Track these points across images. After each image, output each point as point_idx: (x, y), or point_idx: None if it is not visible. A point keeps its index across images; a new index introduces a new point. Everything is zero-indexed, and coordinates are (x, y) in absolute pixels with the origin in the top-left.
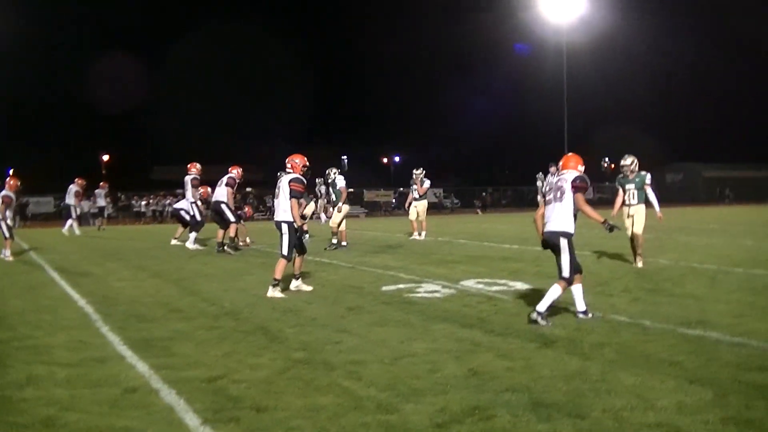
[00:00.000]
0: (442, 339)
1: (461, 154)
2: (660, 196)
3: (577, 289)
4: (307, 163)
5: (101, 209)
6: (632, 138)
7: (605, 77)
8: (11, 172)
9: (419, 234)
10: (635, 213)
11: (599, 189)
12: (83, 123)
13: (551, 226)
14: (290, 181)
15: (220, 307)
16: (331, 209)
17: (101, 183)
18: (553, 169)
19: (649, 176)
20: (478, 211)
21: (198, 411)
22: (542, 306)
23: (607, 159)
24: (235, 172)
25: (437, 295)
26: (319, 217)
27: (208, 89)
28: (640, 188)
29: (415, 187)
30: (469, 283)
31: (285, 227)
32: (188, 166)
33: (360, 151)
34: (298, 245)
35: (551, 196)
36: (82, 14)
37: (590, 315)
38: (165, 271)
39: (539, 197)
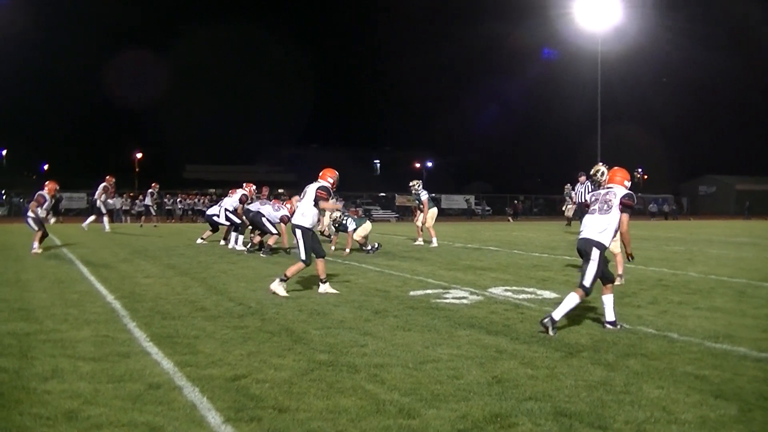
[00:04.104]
0: (466, 345)
1: (493, 162)
2: (693, 208)
3: (608, 300)
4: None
5: (147, 207)
6: (664, 149)
7: (639, 87)
8: (46, 167)
9: (430, 241)
10: None
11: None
12: (117, 121)
13: (588, 234)
14: (317, 189)
15: (246, 307)
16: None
17: (153, 184)
18: (582, 178)
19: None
20: (509, 218)
21: (220, 409)
22: (558, 314)
23: (640, 170)
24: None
25: (464, 301)
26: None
27: (238, 90)
28: None
29: (417, 203)
30: (497, 291)
31: (299, 232)
32: (244, 184)
33: (392, 155)
34: (317, 249)
35: (596, 206)
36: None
37: (618, 326)
38: (192, 270)
39: (567, 206)
